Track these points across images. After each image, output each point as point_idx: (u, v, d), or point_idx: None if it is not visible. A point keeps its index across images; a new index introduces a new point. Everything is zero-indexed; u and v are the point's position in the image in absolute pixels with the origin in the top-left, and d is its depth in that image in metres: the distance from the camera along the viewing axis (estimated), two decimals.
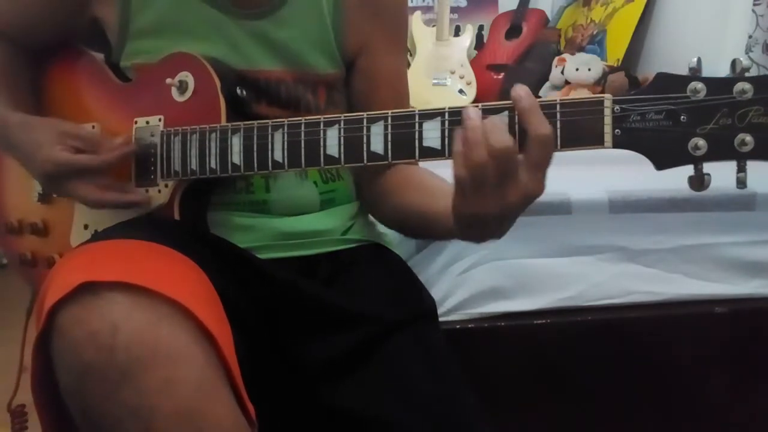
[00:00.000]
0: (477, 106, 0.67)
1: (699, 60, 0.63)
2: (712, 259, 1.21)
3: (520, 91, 0.65)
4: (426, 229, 0.89)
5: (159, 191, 0.84)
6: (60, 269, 0.67)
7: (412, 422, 0.79)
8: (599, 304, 1.18)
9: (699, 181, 0.63)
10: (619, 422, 1.21)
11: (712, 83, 0.62)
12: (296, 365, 0.84)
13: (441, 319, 1.04)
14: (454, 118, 0.68)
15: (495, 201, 0.66)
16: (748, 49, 1.66)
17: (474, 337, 1.15)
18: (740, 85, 0.61)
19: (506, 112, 0.66)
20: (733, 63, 0.62)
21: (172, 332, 0.61)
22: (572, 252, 1.18)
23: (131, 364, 0.59)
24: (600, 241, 1.18)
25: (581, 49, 2.12)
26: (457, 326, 1.14)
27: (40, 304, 0.65)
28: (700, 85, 0.62)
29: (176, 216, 0.83)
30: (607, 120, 0.64)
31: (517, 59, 2.38)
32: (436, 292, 1.07)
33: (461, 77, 2.39)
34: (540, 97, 2.26)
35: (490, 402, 0.84)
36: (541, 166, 0.65)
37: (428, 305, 0.94)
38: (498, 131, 0.64)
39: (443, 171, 0.87)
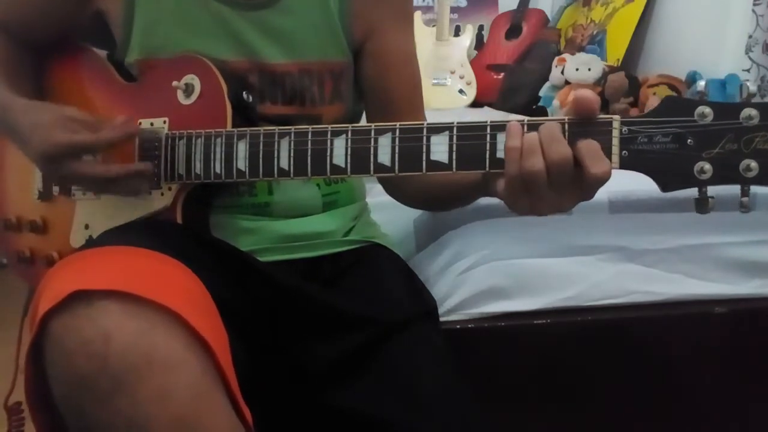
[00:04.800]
0: (523, 121, 0.67)
1: (707, 83, 0.64)
2: (712, 259, 1.21)
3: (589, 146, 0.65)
4: (456, 193, 0.87)
5: (162, 194, 0.84)
6: (52, 277, 0.67)
7: (412, 422, 0.79)
8: (599, 304, 1.18)
9: (704, 204, 0.64)
10: (618, 422, 1.21)
11: (719, 108, 0.62)
12: (298, 367, 0.84)
13: (441, 319, 1.04)
14: (462, 132, 0.69)
15: (551, 205, 0.68)
16: (748, 49, 1.66)
17: (474, 337, 1.15)
18: (747, 111, 0.61)
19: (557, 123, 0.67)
20: (741, 88, 0.63)
21: (166, 340, 0.61)
22: (572, 252, 1.17)
23: (125, 373, 0.58)
24: (600, 241, 1.18)
25: (581, 49, 2.12)
26: (457, 326, 1.14)
27: (33, 312, 0.64)
28: (707, 110, 0.62)
29: (178, 219, 0.83)
30: (615, 141, 0.65)
31: (517, 59, 2.38)
32: (436, 292, 1.07)
33: (461, 77, 2.40)
34: (540, 97, 2.27)
35: (490, 402, 0.84)
36: (597, 186, 0.66)
37: (429, 305, 0.94)
38: (557, 142, 0.65)
39: None
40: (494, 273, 1.14)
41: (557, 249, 1.17)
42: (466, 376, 0.85)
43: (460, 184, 0.82)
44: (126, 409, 0.58)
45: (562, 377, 1.18)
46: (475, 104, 2.37)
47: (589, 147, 0.65)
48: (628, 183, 1.17)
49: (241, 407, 0.66)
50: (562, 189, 0.66)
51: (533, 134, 0.66)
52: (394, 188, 0.99)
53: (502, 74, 2.37)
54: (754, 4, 1.65)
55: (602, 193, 1.17)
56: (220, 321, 0.69)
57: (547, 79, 2.10)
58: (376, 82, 0.94)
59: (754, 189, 0.63)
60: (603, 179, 0.65)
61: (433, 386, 0.82)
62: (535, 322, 1.16)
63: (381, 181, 1.01)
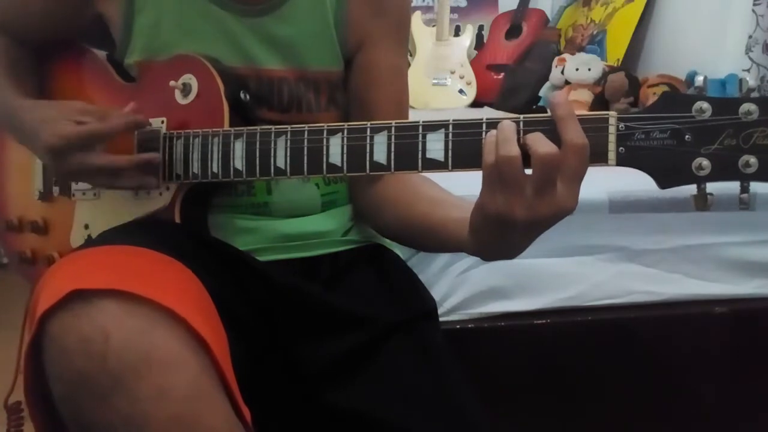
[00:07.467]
0: (519, 118, 0.66)
1: (705, 78, 0.63)
2: (712, 259, 1.21)
3: (559, 98, 0.65)
4: (433, 240, 0.84)
5: (160, 194, 0.84)
6: (51, 276, 0.67)
7: (412, 422, 0.79)
8: (599, 304, 1.18)
9: (702, 201, 0.63)
10: (618, 421, 1.22)
11: (717, 103, 0.61)
12: (297, 367, 0.84)
13: (441, 319, 1.03)
14: (457, 130, 0.68)
15: (527, 207, 0.63)
16: (748, 49, 1.66)
17: (474, 337, 1.15)
18: (746, 106, 0.60)
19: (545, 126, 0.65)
20: (740, 83, 0.62)
21: (165, 339, 0.61)
22: (572, 252, 1.18)
23: (123, 372, 0.58)
24: (600, 241, 1.18)
25: (581, 49, 2.12)
26: (457, 326, 1.14)
27: (32, 311, 0.64)
28: (705, 105, 0.61)
29: (177, 219, 0.83)
30: (612, 138, 0.64)
31: (517, 59, 2.38)
32: (436, 292, 1.07)
33: (461, 77, 2.40)
34: (540, 97, 2.26)
35: (490, 402, 0.84)
36: (575, 178, 0.63)
37: (428, 305, 0.94)
38: (540, 140, 0.63)
39: (446, 183, 0.88)
40: (494, 273, 1.15)
41: (557, 249, 1.17)
42: (466, 376, 0.85)
43: (442, 225, 0.80)
44: (124, 408, 0.58)
45: (561, 377, 1.18)
46: (475, 104, 2.37)
47: (534, 135, 0.63)
48: (628, 183, 1.18)
49: (240, 406, 0.66)
50: (540, 187, 0.63)
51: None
52: (368, 215, 0.96)
53: (502, 74, 2.37)
54: (754, 4, 1.65)
55: (602, 193, 1.19)
56: (218, 320, 0.69)
57: (547, 79, 2.10)
58: (361, 93, 0.94)
59: (754, 188, 0.63)
60: (547, 159, 0.62)
61: (432, 386, 0.82)
62: (535, 322, 1.16)
63: (355, 204, 0.98)
